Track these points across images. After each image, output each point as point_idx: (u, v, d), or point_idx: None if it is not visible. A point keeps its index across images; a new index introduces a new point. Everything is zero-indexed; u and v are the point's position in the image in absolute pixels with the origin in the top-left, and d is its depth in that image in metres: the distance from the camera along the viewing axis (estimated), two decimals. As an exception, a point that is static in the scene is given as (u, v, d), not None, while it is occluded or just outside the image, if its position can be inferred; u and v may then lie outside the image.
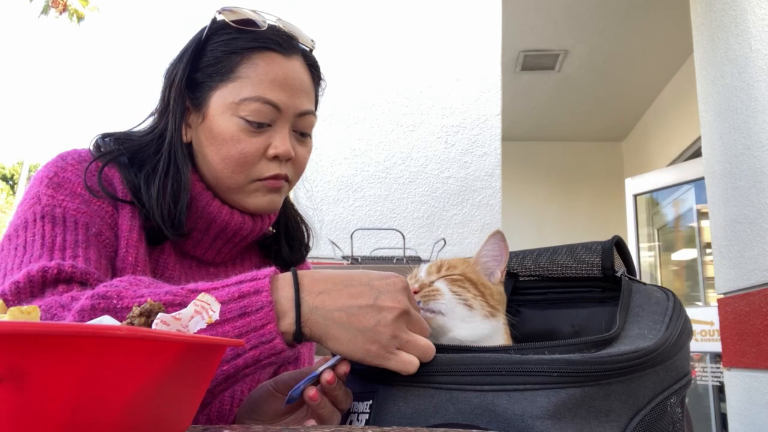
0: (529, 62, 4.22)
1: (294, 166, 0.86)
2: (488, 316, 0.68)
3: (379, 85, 2.79)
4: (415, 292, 0.69)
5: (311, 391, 0.63)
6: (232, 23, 0.82)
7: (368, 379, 0.64)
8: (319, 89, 0.91)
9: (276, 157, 0.82)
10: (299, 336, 0.60)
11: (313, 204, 0.96)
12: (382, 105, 2.79)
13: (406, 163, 2.74)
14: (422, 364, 0.60)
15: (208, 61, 0.82)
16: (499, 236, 0.72)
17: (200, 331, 0.43)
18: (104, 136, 0.87)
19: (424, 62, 2.82)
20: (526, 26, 3.79)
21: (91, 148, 0.85)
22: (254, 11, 0.83)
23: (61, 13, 2.71)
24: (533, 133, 5.41)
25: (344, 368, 0.63)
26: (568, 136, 5.46)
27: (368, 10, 2.87)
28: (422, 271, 0.75)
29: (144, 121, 0.88)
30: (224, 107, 0.80)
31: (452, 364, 0.58)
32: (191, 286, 0.62)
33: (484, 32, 2.84)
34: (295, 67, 0.83)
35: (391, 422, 0.59)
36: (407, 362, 0.59)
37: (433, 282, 0.71)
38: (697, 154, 3.59)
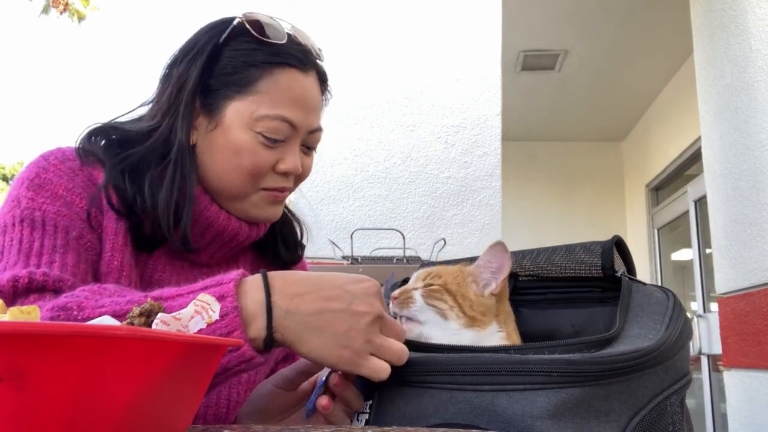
0: (529, 62, 4.22)
1: (297, 177, 0.86)
2: (467, 326, 0.68)
3: (379, 85, 2.79)
4: (395, 299, 0.70)
5: (323, 401, 0.62)
6: (253, 32, 0.79)
7: (368, 379, 0.64)
8: (325, 101, 0.90)
9: (284, 172, 0.82)
10: (270, 341, 0.58)
11: (308, 202, 0.95)
12: (382, 105, 2.79)
13: (406, 163, 2.74)
14: (423, 364, 0.60)
15: (224, 68, 0.80)
16: (498, 248, 0.71)
17: (200, 331, 0.43)
18: (92, 134, 0.84)
19: (424, 62, 2.82)
20: (526, 26, 3.79)
21: (79, 146, 0.82)
22: (273, 18, 0.82)
23: (61, 13, 2.71)
24: (533, 133, 5.40)
25: None
26: (568, 136, 5.45)
27: (368, 11, 2.87)
28: (412, 278, 0.76)
29: (133, 110, 0.86)
30: (241, 120, 0.78)
31: (452, 364, 0.58)
32: (156, 293, 0.60)
33: (484, 32, 2.84)
34: (311, 83, 0.83)
35: (391, 422, 0.59)
36: (379, 368, 0.59)
37: (415, 289, 0.72)
38: (697, 154, 3.58)
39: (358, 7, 2.87)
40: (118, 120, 0.87)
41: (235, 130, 0.79)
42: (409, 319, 0.70)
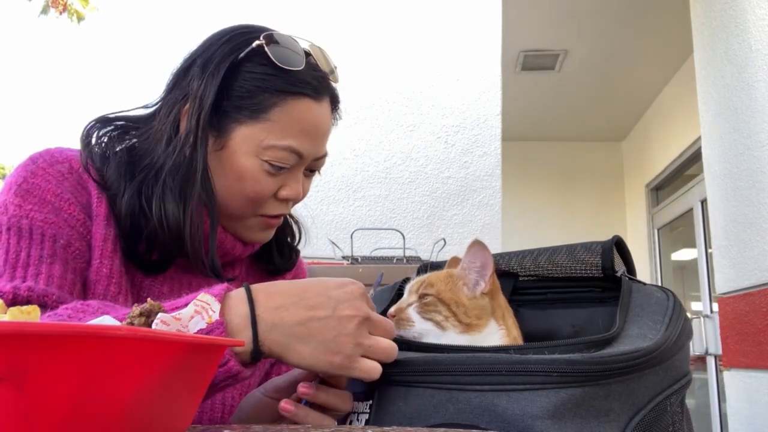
0: (529, 62, 4.22)
1: (296, 200, 0.85)
2: (463, 333, 0.69)
3: (379, 85, 2.79)
4: (392, 317, 0.70)
5: (283, 403, 0.61)
6: (271, 57, 0.77)
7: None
8: (334, 123, 0.88)
9: (285, 199, 0.81)
10: (257, 354, 0.58)
11: (306, 206, 0.94)
12: (382, 105, 2.79)
13: (406, 163, 2.74)
14: (423, 364, 0.60)
15: (239, 92, 0.77)
16: (477, 246, 0.72)
17: (200, 331, 0.43)
18: (105, 148, 0.81)
19: (424, 62, 2.82)
20: (526, 26, 3.79)
21: (91, 165, 0.79)
22: (292, 38, 0.80)
23: (61, 13, 2.70)
24: (533, 133, 5.40)
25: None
26: (568, 136, 5.45)
27: (368, 10, 2.87)
28: (406, 291, 0.76)
29: (133, 109, 0.84)
30: (248, 146, 0.77)
31: (452, 364, 0.58)
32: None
33: (484, 32, 2.84)
34: (324, 112, 0.81)
35: (391, 422, 0.59)
36: (370, 369, 0.59)
37: (410, 305, 0.72)
38: (697, 153, 3.58)
39: (358, 7, 2.87)
40: (124, 115, 0.85)
41: (240, 156, 0.77)
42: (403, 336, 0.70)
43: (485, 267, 0.72)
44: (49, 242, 0.73)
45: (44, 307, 0.67)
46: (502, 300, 0.74)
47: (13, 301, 0.67)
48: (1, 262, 0.71)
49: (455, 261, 0.80)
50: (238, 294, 0.60)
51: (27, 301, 0.67)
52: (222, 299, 0.58)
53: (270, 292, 0.60)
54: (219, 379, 0.58)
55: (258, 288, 0.61)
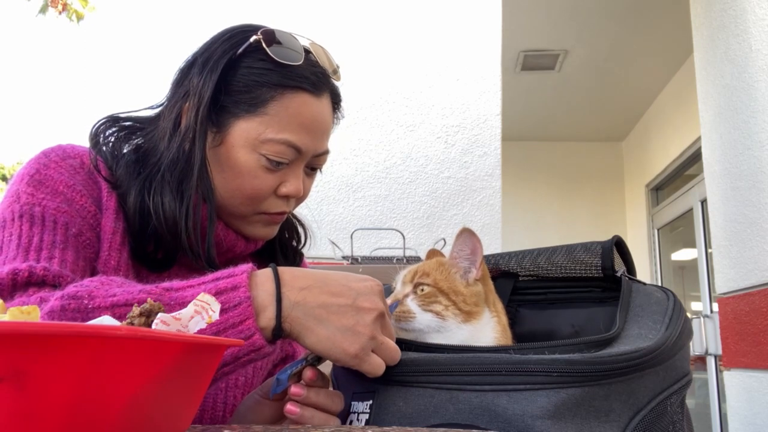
0: (529, 62, 4.22)
1: (297, 199, 0.85)
2: (464, 322, 0.69)
3: (379, 85, 2.79)
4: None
5: (297, 388, 0.62)
6: (268, 52, 0.77)
7: (368, 379, 0.64)
8: (336, 122, 0.88)
9: (286, 195, 0.81)
10: (279, 331, 0.59)
11: (306, 206, 0.94)
12: (382, 105, 2.79)
13: (406, 163, 2.74)
14: (423, 364, 0.60)
15: (237, 86, 0.78)
16: (466, 234, 0.72)
17: (200, 331, 0.43)
18: (115, 143, 0.82)
19: (424, 62, 2.82)
20: (526, 26, 3.79)
21: (102, 161, 0.80)
22: (291, 35, 0.80)
23: (60, 13, 2.71)
24: (533, 133, 5.40)
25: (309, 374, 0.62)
26: (568, 136, 5.45)
27: (368, 11, 2.87)
28: (398, 282, 0.76)
29: (139, 110, 0.85)
30: (246, 141, 0.77)
31: (452, 364, 0.58)
32: (166, 284, 0.61)
33: (484, 32, 2.84)
34: (323, 108, 0.81)
35: (391, 422, 0.59)
36: (378, 365, 0.60)
37: (406, 296, 0.72)
38: (697, 153, 3.58)
39: (358, 7, 2.87)
40: (133, 116, 0.85)
41: (238, 150, 0.78)
42: (403, 329, 0.70)
43: (475, 253, 0.72)
44: (62, 229, 0.74)
45: (58, 288, 0.67)
46: (491, 285, 0.75)
47: (28, 279, 0.66)
48: (14, 247, 0.71)
49: (434, 253, 0.81)
50: (265, 272, 0.62)
51: (42, 281, 0.67)
52: (249, 275, 0.60)
53: (295, 274, 0.62)
54: (243, 353, 0.59)
55: (284, 269, 0.62)
